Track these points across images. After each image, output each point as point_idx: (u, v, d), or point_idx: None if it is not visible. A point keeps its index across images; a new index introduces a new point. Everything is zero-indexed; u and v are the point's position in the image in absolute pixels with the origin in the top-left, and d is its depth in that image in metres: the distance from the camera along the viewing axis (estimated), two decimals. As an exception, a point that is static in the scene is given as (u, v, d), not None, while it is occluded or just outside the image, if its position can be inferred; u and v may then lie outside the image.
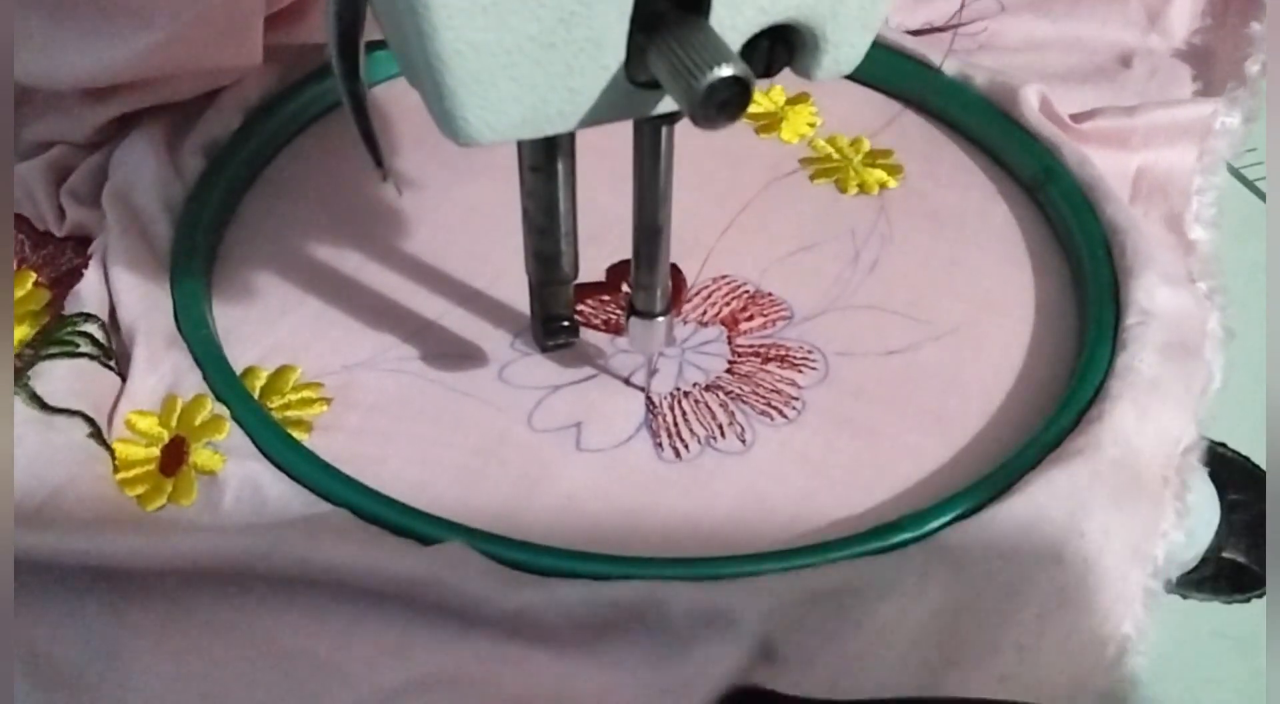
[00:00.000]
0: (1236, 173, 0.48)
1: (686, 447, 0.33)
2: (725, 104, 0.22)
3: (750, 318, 0.37)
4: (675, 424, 0.34)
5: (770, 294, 0.38)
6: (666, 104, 0.25)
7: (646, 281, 0.31)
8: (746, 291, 0.38)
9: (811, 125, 0.45)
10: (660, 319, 0.32)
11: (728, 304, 0.38)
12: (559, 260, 0.31)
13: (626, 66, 0.23)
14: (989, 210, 0.42)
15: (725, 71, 0.21)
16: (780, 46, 0.25)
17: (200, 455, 0.32)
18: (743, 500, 0.32)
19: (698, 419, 0.34)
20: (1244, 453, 0.43)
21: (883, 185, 0.42)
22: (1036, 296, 0.39)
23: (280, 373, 0.34)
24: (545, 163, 0.28)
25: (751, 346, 0.36)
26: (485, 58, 0.22)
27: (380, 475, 0.32)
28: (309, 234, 0.39)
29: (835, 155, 0.43)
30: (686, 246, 0.38)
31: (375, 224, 0.40)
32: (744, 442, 0.34)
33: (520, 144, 0.28)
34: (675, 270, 0.37)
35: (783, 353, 0.36)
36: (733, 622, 0.27)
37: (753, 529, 0.32)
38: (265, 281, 0.38)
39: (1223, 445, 0.42)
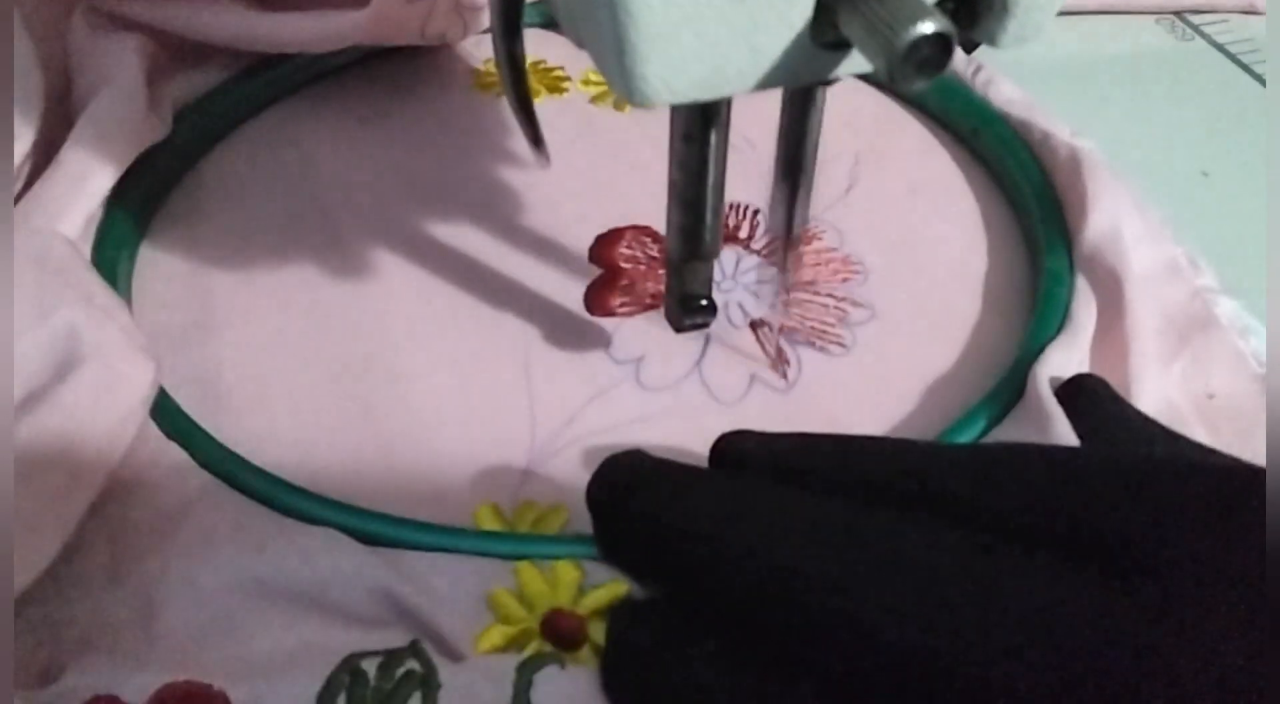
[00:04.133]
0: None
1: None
2: (925, 62, 0.20)
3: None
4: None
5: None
6: (847, 67, 0.23)
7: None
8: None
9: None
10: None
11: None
12: (703, 235, 0.30)
13: (811, 26, 0.22)
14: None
15: (927, 27, 0.20)
16: (963, 9, 0.24)
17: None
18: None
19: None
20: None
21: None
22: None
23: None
24: (700, 132, 0.27)
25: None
26: (672, 10, 0.21)
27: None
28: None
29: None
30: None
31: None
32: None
33: (674, 112, 0.28)
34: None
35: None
36: None
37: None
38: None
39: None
